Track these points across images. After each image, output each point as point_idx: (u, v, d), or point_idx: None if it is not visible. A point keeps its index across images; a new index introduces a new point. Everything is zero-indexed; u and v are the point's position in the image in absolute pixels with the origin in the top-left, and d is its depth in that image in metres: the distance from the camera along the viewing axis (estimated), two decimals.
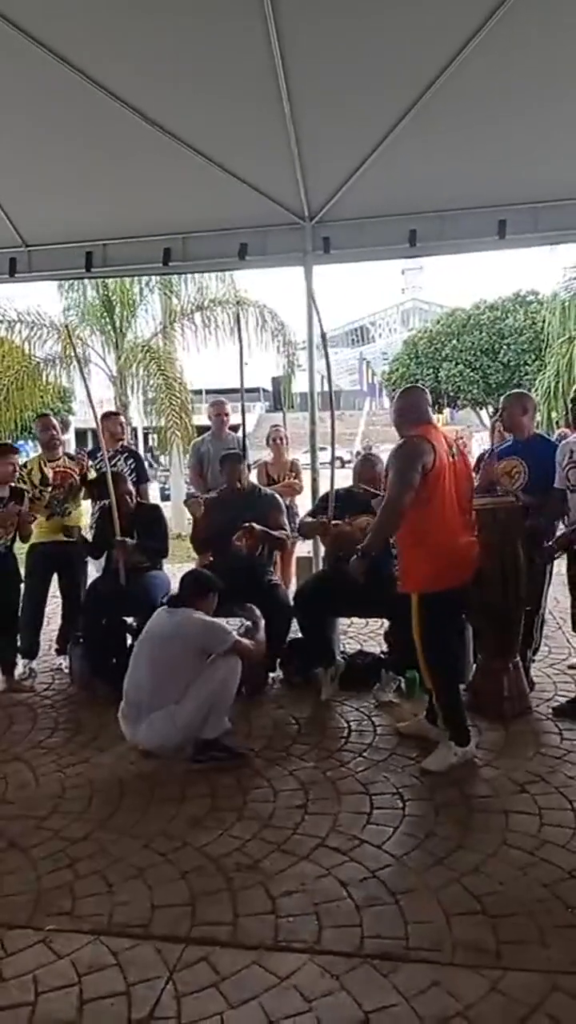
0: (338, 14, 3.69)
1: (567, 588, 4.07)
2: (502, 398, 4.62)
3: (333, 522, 4.29)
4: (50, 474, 4.81)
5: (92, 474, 5.05)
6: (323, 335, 4.96)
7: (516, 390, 5.15)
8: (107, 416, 5.74)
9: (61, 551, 4.85)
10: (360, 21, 3.74)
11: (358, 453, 5.12)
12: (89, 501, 5.20)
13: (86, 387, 5.30)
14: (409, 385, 4.11)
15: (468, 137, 4.50)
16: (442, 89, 4.05)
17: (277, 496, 4.83)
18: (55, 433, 5.00)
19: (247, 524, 4.32)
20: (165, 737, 3.45)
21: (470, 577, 3.45)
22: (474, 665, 4.17)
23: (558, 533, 4.08)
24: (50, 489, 4.78)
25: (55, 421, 5.16)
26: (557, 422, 17.00)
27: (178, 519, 11.66)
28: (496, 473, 4.30)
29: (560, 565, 4.17)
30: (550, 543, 3.96)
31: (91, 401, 5.17)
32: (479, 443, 21.30)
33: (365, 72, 4.07)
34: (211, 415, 6.18)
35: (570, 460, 3.85)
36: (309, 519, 4.57)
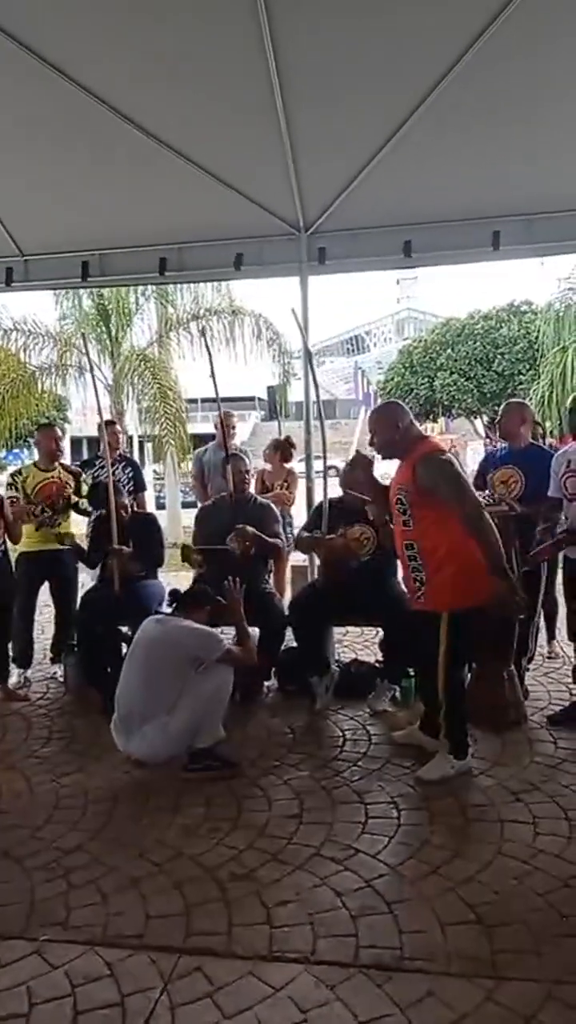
0: (334, 26, 3.72)
1: (563, 597, 4.08)
2: (501, 406, 4.65)
3: (327, 536, 4.29)
4: (30, 489, 4.81)
5: (86, 486, 5.06)
6: (306, 347, 4.99)
7: (515, 399, 5.17)
8: (105, 425, 5.76)
9: (52, 559, 4.85)
10: (356, 33, 3.77)
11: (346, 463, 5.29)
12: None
13: (96, 397, 5.32)
14: (385, 402, 4.07)
15: (462, 149, 4.54)
16: (437, 101, 4.09)
17: (271, 505, 4.85)
18: (45, 444, 5.02)
19: (241, 526, 4.32)
20: (159, 748, 3.44)
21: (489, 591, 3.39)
22: (469, 674, 4.17)
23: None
24: (38, 506, 4.77)
25: (57, 433, 5.17)
26: (551, 431, 17.05)
27: (173, 527, 11.65)
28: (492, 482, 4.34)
29: (557, 574, 4.18)
30: (536, 550, 3.95)
31: (100, 410, 5.19)
32: (473, 452, 21.38)
33: (361, 84, 4.10)
34: (218, 425, 6.20)
35: (567, 469, 3.85)
36: (305, 534, 4.56)
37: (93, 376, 5.58)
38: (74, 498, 4.89)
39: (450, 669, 3.36)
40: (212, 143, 4.63)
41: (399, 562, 3.59)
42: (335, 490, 4.60)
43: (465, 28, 3.69)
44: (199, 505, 5.16)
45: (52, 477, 4.92)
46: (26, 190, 5.06)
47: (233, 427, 6.07)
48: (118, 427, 6.00)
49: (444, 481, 3.24)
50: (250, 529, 4.36)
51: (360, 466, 3.81)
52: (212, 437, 6.24)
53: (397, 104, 4.23)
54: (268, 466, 6.29)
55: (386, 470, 3.73)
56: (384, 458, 3.54)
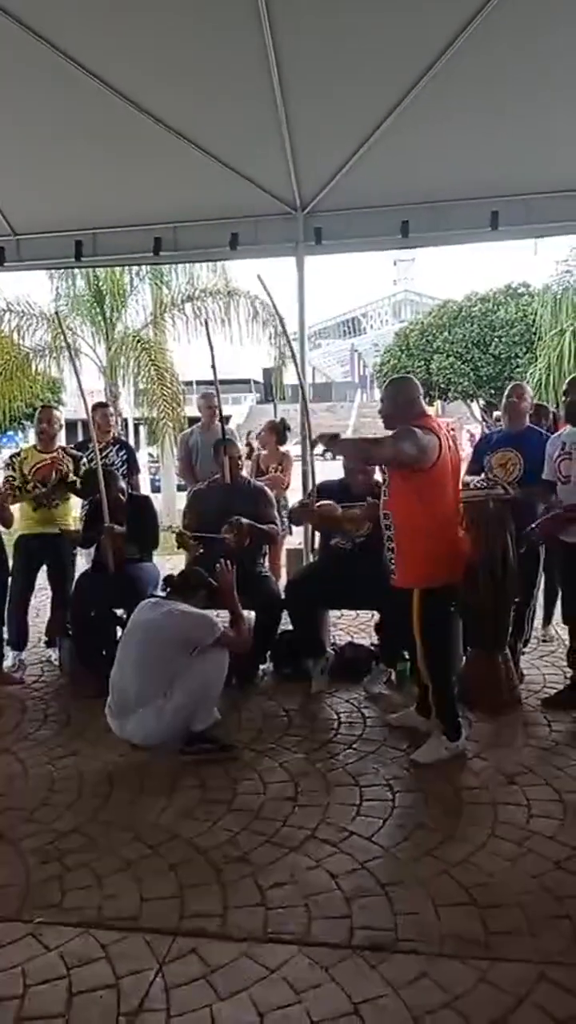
0: (331, 5, 3.67)
1: (559, 581, 4.08)
2: (511, 386, 4.62)
3: (318, 503, 4.27)
4: (27, 470, 4.78)
5: (83, 468, 5.02)
6: (284, 330, 4.95)
7: (518, 381, 5.14)
8: (95, 407, 5.72)
9: (49, 543, 4.83)
10: (353, 13, 3.70)
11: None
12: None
13: (77, 378, 5.26)
14: (400, 375, 4.04)
15: (460, 128, 4.48)
16: (434, 80, 4.03)
17: (266, 488, 4.82)
18: (46, 427, 4.96)
19: (235, 519, 4.30)
20: (153, 731, 3.43)
21: (462, 572, 3.44)
22: (464, 657, 4.18)
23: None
24: (30, 485, 4.74)
25: (54, 414, 5.11)
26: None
27: (168, 510, 11.63)
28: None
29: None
30: (532, 526, 3.94)
31: (83, 392, 5.13)
32: (468, 436, 21.35)
33: (357, 62, 4.04)
34: (201, 407, 6.18)
35: (562, 452, 3.85)
36: (299, 505, 4.56)
37: (72, 357, 5.52)
38: (70, 476, 4.86)
39: (430, 648, 3.36)
40: (208, 122, 4.56)
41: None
42: (327, 474, 4.62)
43: (463, 7, 3.64)
44: (189, 488, 5.12)
45: (50, 459, 4.88)
46: (19, 168, 4.99)
47: (216, 407, 5.98)
48: (110, 409, 5.95)
49: (401, 431, 3.21)
50: (245, 521, 4.31)
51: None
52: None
53: (394, 84, 4.18)
54: (263, 449, 6.26)
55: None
56: (385, 427, 3.55)
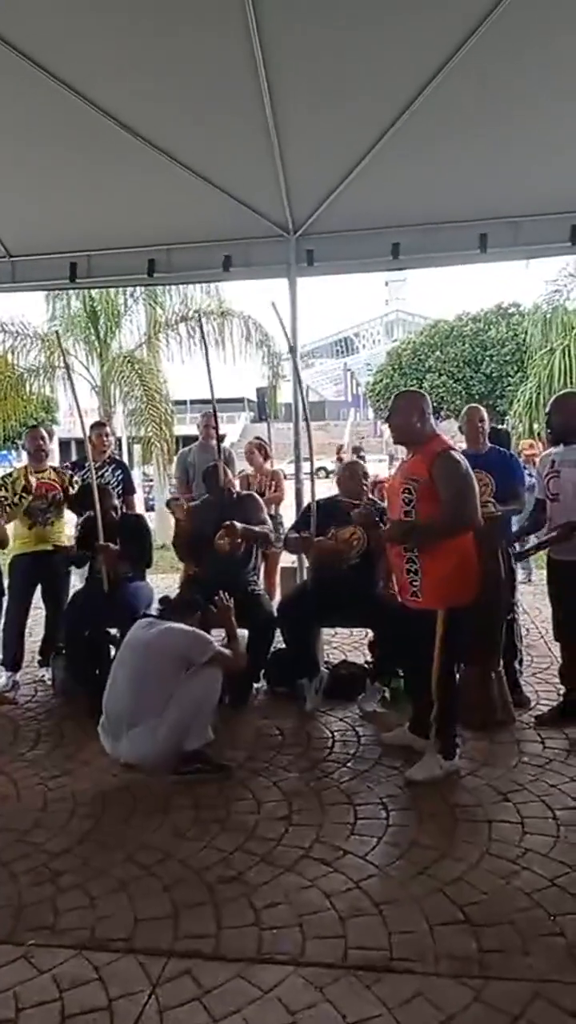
0: (322, 28, 3.73)
1: (548, 597, 4.10)
2: (467, 409, 4.67)
3: (316, 538, 4.29)
4: (34, 482, 4.79)
5: (75, 488, 5.03)
6: (292, 347, 5.00)
7: (472, 404, 5.17)
8: (92, 427, 5.74)
9: (44, 562, 4.83)
10: (344, 35, 3.77)
11: (339, 459, 5.38)
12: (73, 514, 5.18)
13: (75, 398, 5.29)
14: (411, 389, 4.08)
15: (450, 152, 4.56)
16: (425, 104, 4.11)
17: (254, 494, 4.87)
18: (42, 444, 4.98)
19: (228, 523, 4.32)
20: (147, 751, 3.41)
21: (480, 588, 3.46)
22: (458, 675, 4.18)
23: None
24: (30, 497, 4.75)
25: (44, 433, 5.13)
26: (538, 434, 17.14)
27: (162, 529, 11.64)
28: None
29: (541, 575, 4.21)
30: (526, 548, 4.01)
31: (80, 411, 5.16)
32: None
33: (349, 86, 4.11)
34: (200, 426, 6.23)
35: (551, 470, 3.89)
36: (293, 535, 4.57)
37: (70, 377, 5.55)
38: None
39: (446, 666, 3.38)
40: (202, 145, 4.63)
41: (390, 558, 3.61)
42: (321, 492, 4.63)
43: (452, 33, 3.72)
44: (181, 499, 5.17)
45: (42, 479, 4.89)
46: (14, 191, 5.05)
47: (215, 427, 6.02)
48: (107, 429, 5.98)
49: (452, 482, 3.27)
50: (238, 524, 4.35)
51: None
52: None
53: (385, 108, 4.25)
54: (250, 468, 6.28)
55: (375, 470, 3.76)
56: (395, 441, 3.58)
